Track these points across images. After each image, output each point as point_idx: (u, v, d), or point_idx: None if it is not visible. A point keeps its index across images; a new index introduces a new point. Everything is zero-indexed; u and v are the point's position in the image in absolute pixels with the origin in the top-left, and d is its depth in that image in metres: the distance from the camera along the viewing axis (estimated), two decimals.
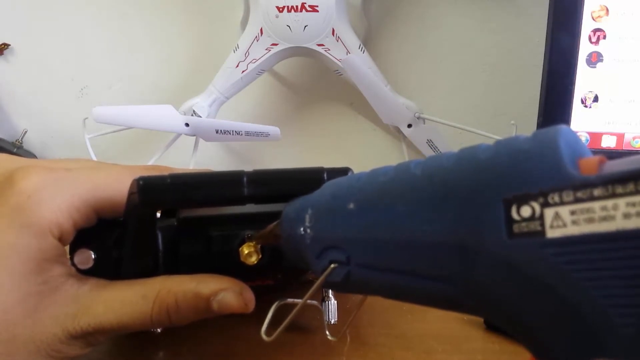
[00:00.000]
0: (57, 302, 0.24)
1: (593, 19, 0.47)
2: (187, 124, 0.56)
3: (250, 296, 0.26)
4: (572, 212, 0.14)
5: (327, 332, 0.31)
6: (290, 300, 0.29)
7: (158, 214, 0.28)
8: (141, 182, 0.24)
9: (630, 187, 0.13)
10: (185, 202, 0.25)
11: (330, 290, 0.32)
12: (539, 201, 0.15)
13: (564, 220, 0.14)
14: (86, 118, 0.57)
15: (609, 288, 0.14)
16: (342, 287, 0.20)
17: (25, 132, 0.67)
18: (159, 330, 0.29)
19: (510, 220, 0.15)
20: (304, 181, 0.26)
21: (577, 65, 0.47)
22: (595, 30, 0.47)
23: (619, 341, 0.13)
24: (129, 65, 0.67)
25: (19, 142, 0.66)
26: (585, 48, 0.47)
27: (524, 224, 0.15)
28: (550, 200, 0.14)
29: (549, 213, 0.14)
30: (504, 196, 0.15)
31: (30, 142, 0.69)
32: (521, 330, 0.16)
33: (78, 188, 0.25)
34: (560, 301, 0.14)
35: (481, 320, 0.36)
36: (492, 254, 0.15)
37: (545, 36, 0.47)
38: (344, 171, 0.26)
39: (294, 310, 0.24)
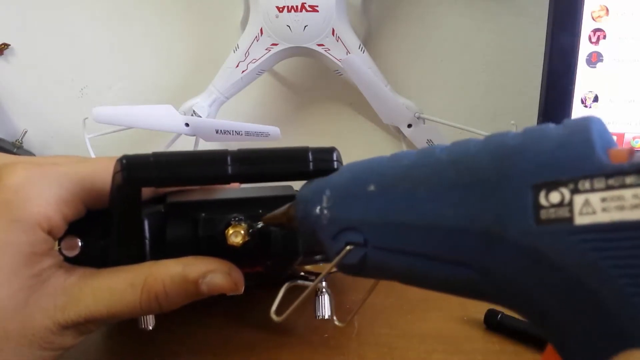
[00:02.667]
0: (46, 294, 0.24)
1: (593, 19, 0.47)
2: (187, 124, 0.56)
3: (238, 276, 0.26)
4: (603, 200, 0.14)
5: (335, 318, 0.31)
6: (300, 282, 0.29)
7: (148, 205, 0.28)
8: (124, 161, 0.24)
9: None
10: (168, 179, 0.25)
11: (324, 285, 0.32)
12: (569, 187, 0.14)
13: (594, 207, 0.14)
14: (86, 118, 0.57)
15: (636, 277, 0.13)
16: (357, 270, 0.20)
17: (25, 132, 0.67)
18: (150, 327, 0.28)
19: (537, 207, 0.15)
20: (288, 159, 0.26)
21: (577, 65, 0.47)
22: (595, 30, 0.47)
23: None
24: (129, 65, 0.67)
25: (19, 142, 0.66)
26: (585, 48, 0.47)
27: (552, 210, 0.14)
28: (580, 187, 0.14)
29: (579, 200, 0.14)
30: (534, 182, 0.15)
31: (30, 142, 0.69)
32: (542, 320, 0.16)
33: (65, 181, 0.25)
34: (585, 289, 0.14)
35: (481, 320, 0.36)
36: (518, 240, 0.15)
37: (545, 36, 0.47)
38: (330, 151, 0.26)
39: (305, 292, 0.24)
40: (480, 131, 0.57)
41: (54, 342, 0.24)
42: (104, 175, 0.26)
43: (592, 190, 0.14)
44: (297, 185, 0.30)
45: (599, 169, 0.14)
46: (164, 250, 0.27)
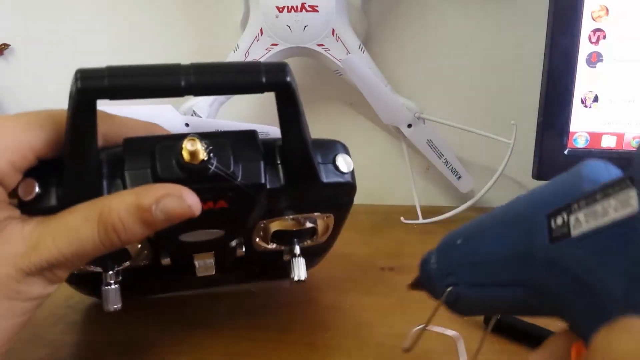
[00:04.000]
0: (4, 243, 0.23)
1: (593, 19, 0.47)
2: (187, 124, 0.56)
3: (193, 199, 0.25)
4: (585, 215, 0.18)
5: (289, 284, 0.32)
6: (427, 327, 0.29)
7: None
8: (79, 73, 0.24)
9: (617, 187, 0.17)
10: (122, 90, 0.25)
11: (297, 248, 0.33)
12: (566, 211, 0.19)
13: (581, 221, 0.18)
14: None
15: (613, 265, 0.17)
16: (454, 306, 0.25)
17: None
18: (115, 307, 0.28)
19: (550, 230, 0.20)
20: (241, 71, 0.26)
21: (577, 65, 0.47)
22: (595, 30, 0.47)
23: (615, 302, 0.17)
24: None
25: None
26: (585, 48, 0.47)
27: (558, 231, 0.19)
28: (572, 209, 0.19)
29: (572, 219, 0.19)
30: (546, 212, 0.20)
31: None
32: (562, 311, 0.20)
33: (9, 130, 0.25)
34: (583, 282, 0.18)
35: (481, 320, 0.36)
36: (542, 257, 0.20)
37: (545, 36, 0.47)
38: (282, 65, 0.26)
39: (422, 326, 0.28)
40: (480, 131, 0.57)
41: (21, 291, 0.24)
42: (49, 123, 0.25)
43: (579, 209, 0.19)
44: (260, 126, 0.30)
45: (581, 194, 0.19)
46: (123, 184, 0.26)
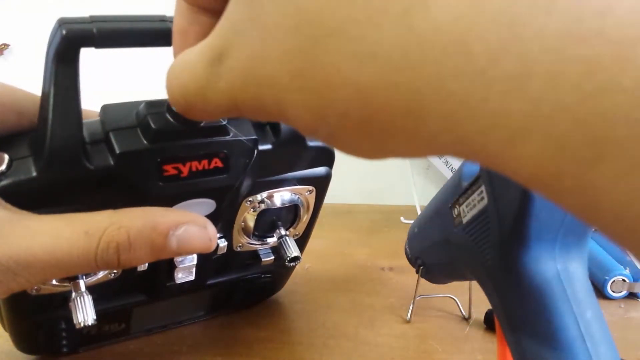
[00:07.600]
0: None
1: None
2: None
3: (215, 232, 0.23)
4: (467, 206, 0.25)
5: (287, 263, 0.31)
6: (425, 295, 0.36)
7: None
8: (61, 20, 0.22)
9: (475, 186, 0.23)
10: (110, 35, 0.23)
11: (283, 230, 0.31)
12: (457, 204, 0.26)
13: (465, 211, 0.25)
14: None
15: (481, 240, 0.23)
16: (429, 279, 0.33)
17: None
18: (89, 322, 0.24)
19: (453, 218, 0.26)
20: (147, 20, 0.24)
21: None
22: None
23: (488, 268, 0.23)
24: (128, 65, 0.67)
25: None
26: None
27: (457, 219, 0.26)
28: (460, 202, 0.25)
29: (461, 209, 0.25)
30: (449, 205, 0.26)
31: None
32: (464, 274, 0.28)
33: None
34: (474, 254, 0.24)
35: (481, 320, 0.36)
36: (451, 240, 0.26)
37: None
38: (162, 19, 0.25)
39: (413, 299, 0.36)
40: None
41: None
42: (10, 92, 0.24)
43: (463, 202, 0.25)
44: None
45: (462, 189, 0.25)
46: (108, 147, 0.24)
